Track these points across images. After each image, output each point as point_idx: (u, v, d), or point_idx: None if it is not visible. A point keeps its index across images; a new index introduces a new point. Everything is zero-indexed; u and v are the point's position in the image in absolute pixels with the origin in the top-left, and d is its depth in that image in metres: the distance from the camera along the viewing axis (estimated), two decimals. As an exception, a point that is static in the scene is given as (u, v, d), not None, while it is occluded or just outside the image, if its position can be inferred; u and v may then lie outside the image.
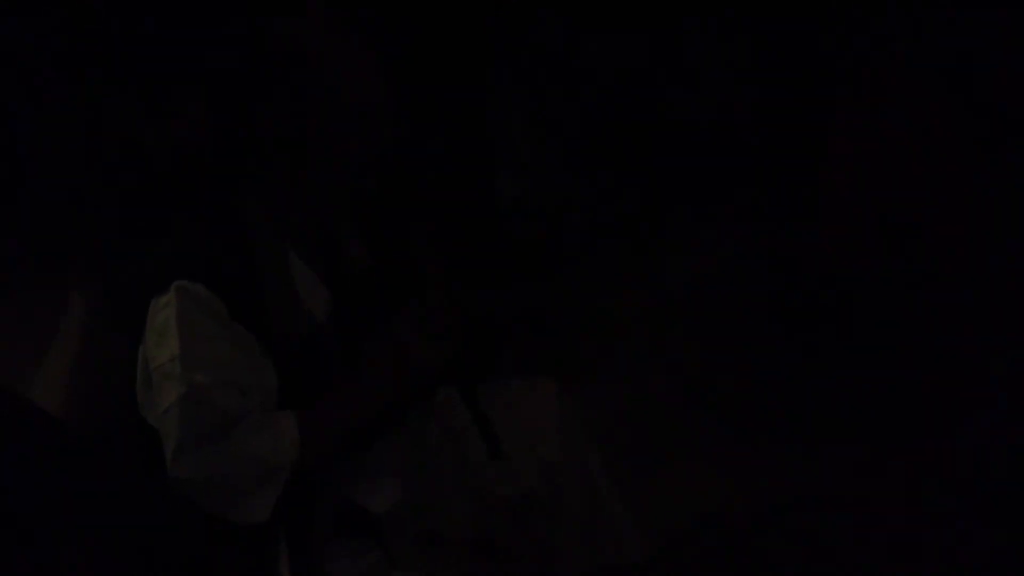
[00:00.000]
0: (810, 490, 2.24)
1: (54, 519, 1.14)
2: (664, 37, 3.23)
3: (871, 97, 2.92)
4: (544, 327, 2.82)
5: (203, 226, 1.41)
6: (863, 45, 2.95)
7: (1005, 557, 2.00)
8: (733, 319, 2.86)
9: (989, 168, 2.73)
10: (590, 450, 1.74)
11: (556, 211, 3.19)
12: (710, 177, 3.19)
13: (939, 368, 2.51)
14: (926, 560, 2.04)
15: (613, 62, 3.27)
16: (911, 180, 2.81)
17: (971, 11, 2.75)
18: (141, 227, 2.13)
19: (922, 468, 2.25)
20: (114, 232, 2.16)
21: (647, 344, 2.79)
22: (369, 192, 1.56)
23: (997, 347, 2.52)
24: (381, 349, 1.42)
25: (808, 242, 2.95)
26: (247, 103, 1.36)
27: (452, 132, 2.88)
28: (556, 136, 3.25)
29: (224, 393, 1.31)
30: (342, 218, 1.56)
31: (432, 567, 1.54)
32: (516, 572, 1.67)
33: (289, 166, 1.39)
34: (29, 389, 1.48)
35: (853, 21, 2.96)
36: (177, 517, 1.34)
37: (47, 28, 2.23)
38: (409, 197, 1.77)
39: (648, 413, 2.52)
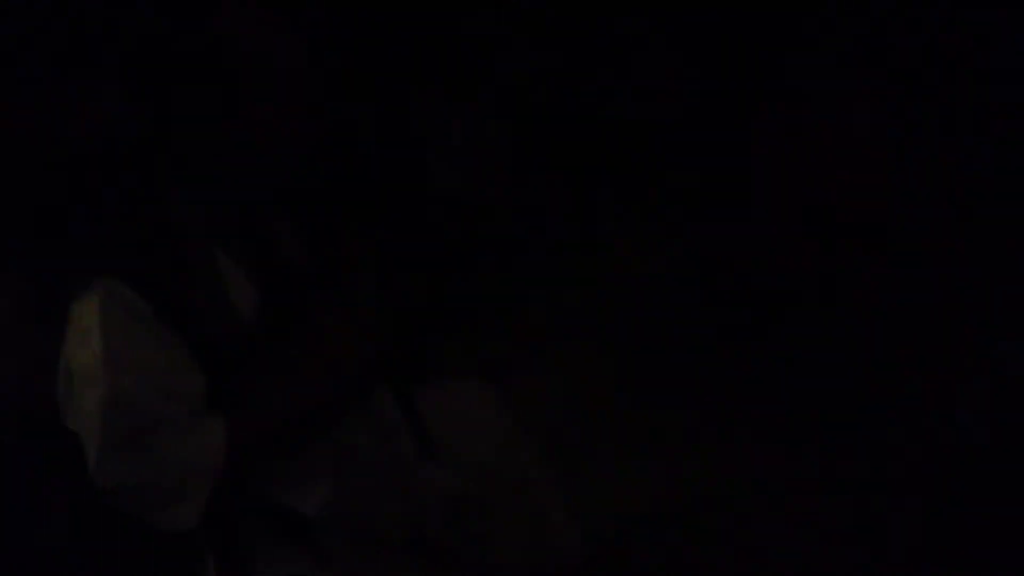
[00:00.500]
0: (746, 488, 2.25)
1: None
2: (598, 36, 3.24)
3: (799, 96, 2.97)
4: (479, 323, 2.81)
5: (126, 221, 1.35)
6: (792, 44, 2.99)
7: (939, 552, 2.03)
8: (668, 315, 2.88)
9: (916, 163, 2.79)
10: (526, 450, 1.72)
11: (489, 205, 3.18)
12: (643, 174, 3.21)
13: (873, 361, 2.56)
14: (864, 557, 2.06)
15: (547, 59, 3.27)
16: (840, 177, 2.85)
17: (898, 9, 2.81)
18: (61, 218, 2.08)
19: (858, 463, 2.29)
20: (33, 224, 2.11)
21: (583, 340, 2.80)
22: (299, 186, 1.52)
23: (930, 338, 2.58)
24: (308, 344, 1.38)
25: (740, 238, 2.97)
26: (168, 91, 1.31)
27: (382, 122, 2.85)
28: (490, 131, 3.24)
29: (148, 396, 1.26)
30: (273, 214, 1.51)
31: (366, 568, 1.50)
32: (452, 572, 1.64)
33: (214, 158, 1.34)
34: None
35: (782, 20, 2.99)
36: (96, 521, 1.30)
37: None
38: (340, 191, 1.73)
39: (584, 411, 2.52)
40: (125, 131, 2.22)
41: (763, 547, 2.09)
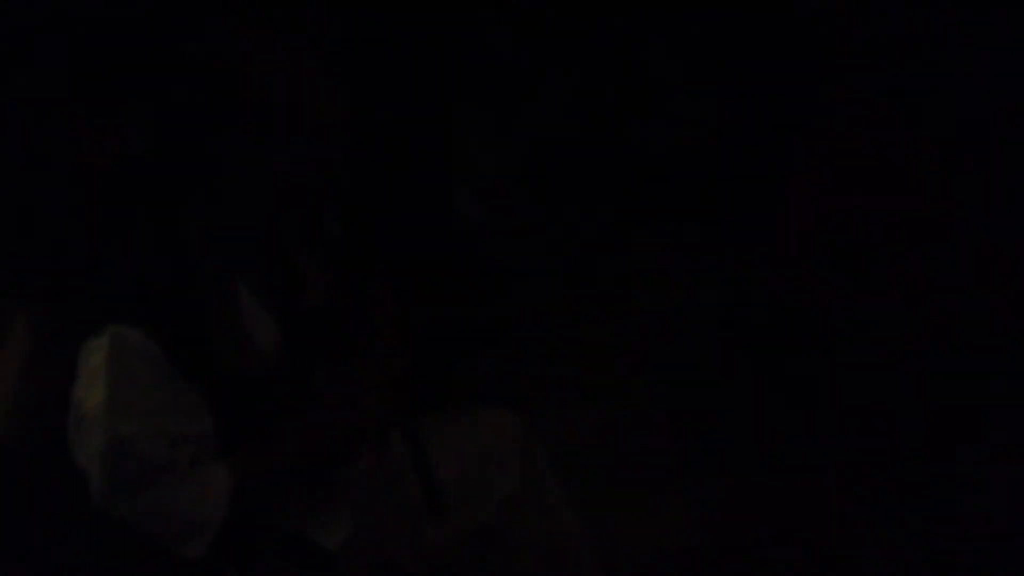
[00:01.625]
0: (774, 525, 2.23)
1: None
2: (629, 66, 3.25)
3: (832, 128, 2.96)
4: (507, 351, 2.80)
5: (146, 257, 1.33)
6: (826, 77, 2.99)
7: None
8: (698, 347, 2.85)
9: (947, 199, 2.78)
10: (552, 483, 1.71)
11: (517, 235, 3.18)
12: (672, 204, 3.20)
13: (905, 400, 2.54)
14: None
15: (578, 90, 3.28)
16: (870, 211, 2.84)
17: (929, 48, 2.82)
18: (88, 248, 2.09)
19: (889, 503, 2.26)
20: (60, 253, 2.12)
21: (610, 373, 2.77)
22: (327, 226, 1.52)
23: (961, 377, 2.55)
24: (327, 397, 1.38)
25: (770, 270, 2.97)
26: (194, 124, 1.30)
27: (412, 152, 2.85)
28: (519, 159, 3.25)
29: (151, 444, 1.25)
30: (299, 253, 1.52)
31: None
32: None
33: (239, 195, 1.33)
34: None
35: (816, 54, 3.00)
36: (111, 545, 1.30)
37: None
38: (367, 233, 1.74)
39: (611, 443, 2.49)
40: (147, 166, 2.24)
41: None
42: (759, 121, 3.07)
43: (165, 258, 1.33)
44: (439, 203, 2.98)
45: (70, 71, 2.27)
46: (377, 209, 2.62)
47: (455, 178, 3.07)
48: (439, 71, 2.91)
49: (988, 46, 2.75)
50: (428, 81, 2.88)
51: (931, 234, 2.79)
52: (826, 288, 2.85)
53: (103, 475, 1.23)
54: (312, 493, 1.47)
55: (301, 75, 1.31)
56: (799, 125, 2.99)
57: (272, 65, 1.29)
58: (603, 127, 3.27)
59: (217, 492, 1.28)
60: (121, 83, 2.29)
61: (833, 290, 2.84)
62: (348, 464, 1.52)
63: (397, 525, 1.58)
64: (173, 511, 1.26)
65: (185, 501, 1.27)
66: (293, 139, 1.29)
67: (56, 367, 1.55)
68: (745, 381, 2.70)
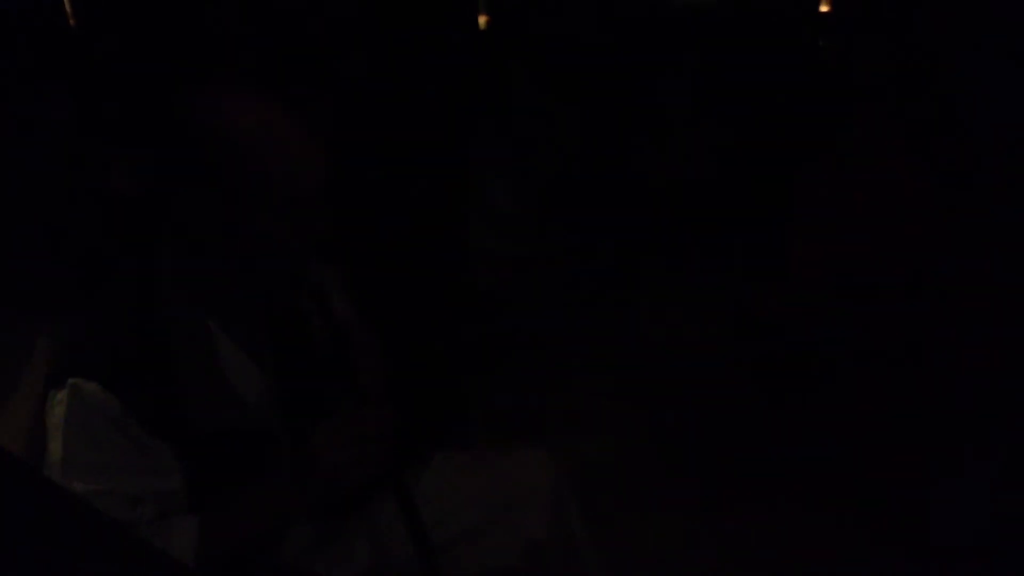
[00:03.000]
0: (785, 549, 2.24)
1: (15, 562, 1.08)
2: (639, 101, 3.27)
3: (838, 158, 2.99)
4: (518, 385, 2.80)
5: (113, 305, 1.34)
6: (833, 109, 3.01)
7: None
8: (706, 378, 2.90)
9: (953, 229, 2.79)
10: (579, 527, 1.68)
11: (528, 263, 3.19)
12: (680, 235, 3.21)
13: (912, 432, 2.54)
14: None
15: (589, 123, 3.30)
16: (876, 241, 2.85)
17: (934, 78, 2.83)
18: (105, 275, 2.09)
19: (898, 531, 2.26)
20: (80, 279, 2.12)
21: (621, 403, 2.81)
22: (314, 276, 1.50)
23: (967, 406, 2.55)
24: (311, 453, 1.35)
25: (776, 301, 2.97)
26: (177, 175, 1.30)
27: (428, 184, 2.87)
28: (531, 189, 3.26)
29: (107, 503, 1.25)
30: (286, 300, 1.49)
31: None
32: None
33: (227, 243, 1.31)
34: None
35: (823, 87, 3.02)
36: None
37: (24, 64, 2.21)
38: (361, 275, 1.72)
39: (624, 468, 2.53)
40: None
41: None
42: (765, 153, 3.08)
43: (133, 307, 1.32)
44: (456, 232, 3.01)
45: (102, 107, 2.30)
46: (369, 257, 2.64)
47: (472, 211, 3.09)
48: (456, 111, 2.95)
49: (994, 74, 2.76)
50: (443, 113, 2.91)
51: (937, 264, 2.80)
52: (833, 318, 2.87)
53: None
54: (323, 531, 1.48)
55: (287, 138, 1.30)
56: (805, 156, 3.04)
57: (260, 127, 1.28)
58: (613, 160, 3.29)
59: (181, 546, 1.27)
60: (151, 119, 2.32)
61: (840, 319, 2.86)
62: (348, 509, 1.52)
63: (402, 564, 1.54)
64: None
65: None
66: (274, 197, 1.28)
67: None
68: (755, 410, 2.74)
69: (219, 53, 2.26)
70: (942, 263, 2.83)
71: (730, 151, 3.24)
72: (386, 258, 2.47)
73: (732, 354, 2.97)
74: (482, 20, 3.15)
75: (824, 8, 3.28)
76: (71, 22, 2.32)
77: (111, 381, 1.26)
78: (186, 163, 1.28)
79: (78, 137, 2.30)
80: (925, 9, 2.88)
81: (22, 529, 1.08)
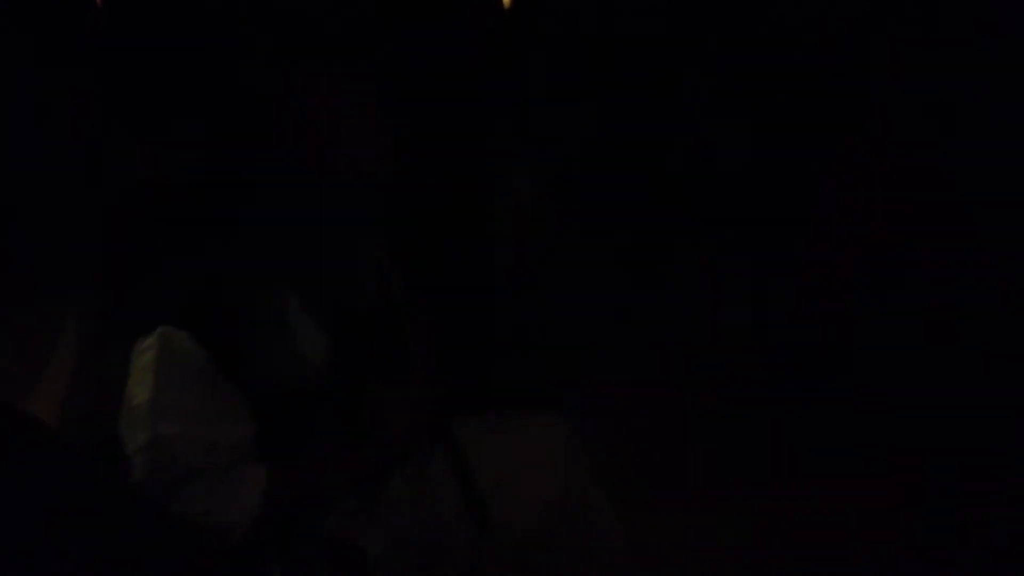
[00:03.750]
0: (808, 534, 2.24)
1: (50, 531, 1.13)
2: (661, 86, 3.28)
3: (862, 147, 2.98)
4: (544, 363, 2.83)
5: (199, 266, 1.40)
6: (859, 90, 3.01)
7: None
8: (729, 362, 2.88)
9: (977, 217, 2.79)
10: (594, 488, 1.74)
11: (550, 247, 3.22)
12: (704, 222, 3.23)
13: (931, 410, 2.54)
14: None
15: (610, 108, 3.32)
16: (900, 228, 2.85)
17: (961, 61, 2.82)
18: (137, 254, 2.14)
19: (922, 513, 2.28)
20: (111, 257, 2.17)
21: (644, 384, 2.81)
22: (374, 252, 1.56)
23: (988, 387, 2.55)
24: (369, 415, 1.42)
25: (800, 288, 2.98)
26: (253, 144, 1.37)
27: (453, 171, 2.91)
28: (554, 179, 3.29)
29: (188, 447, 1.30)
30: (348, 268, 1.56)
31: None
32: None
33: (300, 211, 1.39)
34: (27, 404, 1.47)
35: (850, 67, 3.02)
36: (164, 535, 1.33)
37: (50, 57, 2.26)
38: (412, 248, 1.78)
39: (645, 452, 2.52)
40: (204, 179, 2.31)
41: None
42: (789, 141, 3.09)
43: (217, 270, 1.38)
44: (480, 218, 3.04)
45: (130, 94, 2.34)
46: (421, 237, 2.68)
47: (495, 200, 3.12)
48: (476, 94, 2.98)
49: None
50: (466, 105, 2.94)
51: (961, 252, 2.80)
52: (856, 305, 2.88)
53: (142, 470, 1.28)
54: (355, 498, 1.51)
55: (353, 124, 1.38)
56: (829, 144, 3.03)
57: (333, 104, 1.37)
58: (636, 151, 3.31)
59: (249, 497, 1.32)
60: (178, 107, 2.37)
61: (863, 307, 2.87)
62: (391, 473, 1.55)
63: (436, 531, 1.60)
64: (202, 512, 1.30)
65: (214, 504, 1.30)
66: (347, 163, 1.36)
67: (105, 368, 1.60)
68: (777, 394, 2.73)
69: (291, 31, 2.29)
70: (966, 251, 2.83)
71: (753, 139, 3.24)
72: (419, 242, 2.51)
73: (754, 341, 2.97)
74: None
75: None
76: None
77: (195, 333, 1.32)
78: (255, 137, 1.36)
79: (102, 123, 2.34)
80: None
81: (52, 500, 1.14)
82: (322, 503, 1.45)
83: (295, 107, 1.35)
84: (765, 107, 3.14)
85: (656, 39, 3.23)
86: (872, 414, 2.59)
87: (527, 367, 2.73)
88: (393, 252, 1.66)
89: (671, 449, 2.57)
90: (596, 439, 1.83)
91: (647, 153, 3.31)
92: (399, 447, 1.45)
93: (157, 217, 2.23)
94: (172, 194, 2.30)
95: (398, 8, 2.61)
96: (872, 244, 2.89)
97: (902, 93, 2.95)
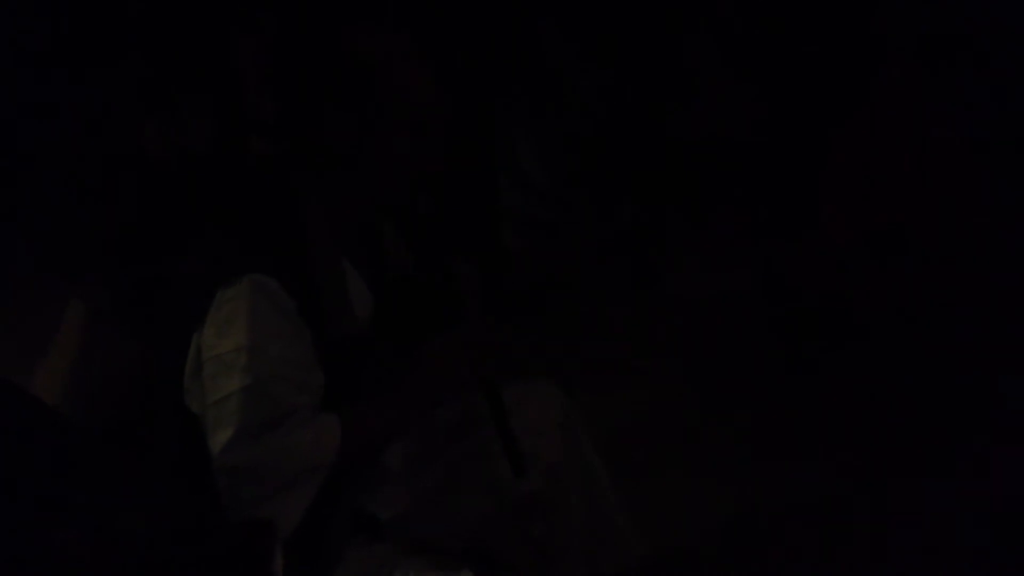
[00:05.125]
0: (809, 499, 2.24)
1: (52, 508, 1.14)
2: (669, 57, 3.27)
3: (869, 116, 2.97)
4: (544, 333, 2.84)
5: (267, 225, 1.43)
6: (864, 66, 2.99)
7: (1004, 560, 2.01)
8: (732, 331, 2.88)
9: (982, 187, 2.77)
10: (592, 455, 1.75)
11: (557, 223, 3.22)
12: (709, 192, 3.22)
13: (936, 381, 2.53)
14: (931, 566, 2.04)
15: (617, 81, 3.31)
16: (905, 198, 2.84)
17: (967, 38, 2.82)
18: (144, 229, 2.16)
19: (924, 476, 2.27)
20: (117, 233, 2.18)
21: (647, 354, 2.81)
22: (417, 206, 1.58)
23: (993, 362, 2.55)
24: (424, 362, 1.45)
25: (806, 260, 2.98)
26: (317, 108, 1.40)
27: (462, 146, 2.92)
28: (558, 150, 3.28)
29: (283, 387, 1.33)
30: (388, 227, 1.60)
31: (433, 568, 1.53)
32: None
33: (348, 173, 1.43)
34: (30, 382, 1.48)
35: (855, 44, 3.00)
36: (172, 511, 1.34)
37: (57, 29, 2.26)
38: (448, 209, 1.80)
39: (651, 422, 2.54)
40: (211, 151, 2.32)
41: (827, 561, 2.07)
42: (796, 110, 3.08)
43: (284, 229, 1.41)
44: (486, 194, 3.05)
45: (138, 71, 2.34)
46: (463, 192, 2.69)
47: (502, 172, 3.13)
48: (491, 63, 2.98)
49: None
50: (477, 74, 2.94)
51: (966, 221, 2.79)
52: (861, 274, 2.88)
53: (242, 414, 1.30)
54: (373, 464, 1.53)
55: (409, 68, 1.42)
56: (836, 114, 3.02)
57: (383, 56, 1.40)
58: (642, 117, 3.29)
59: (329, 439, 1.35)
60: (183, 82, 2.37)
61: (868, 276, 2.87)
62: (397, 441, 1.57)
63: (442, 499, 1.63)
64: (293, 454, 1.32)
65: (304, 444, 1.33)
66: (398, 128, 1.40)
67: (109, 350, 1.61)
68: (779, 364, 2.73)
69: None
70: (972, 221, 2.83)
71: (760, 108, 3.22)
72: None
73: (761, 311, 2.96)
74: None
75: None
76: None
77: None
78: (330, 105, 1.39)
79: (109, 102, 2.35)
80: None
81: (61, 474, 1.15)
82: (384, 446, 1.49)
83: (365, 72, 1.39)
84: (774, 70, 3.11)
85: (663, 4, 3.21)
86: (876, 382, 2.58)
87: (527, 335, 2.73)
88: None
89: (672, 417, 2.57)
90: (596, 406, 1.84)
91: (657, 121, 3.30)
92: (451, 389, 1.48)
93: (168, 190, 2.25)
94: (181, 167, 2.32)
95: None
96: (879, 214, 2.87)
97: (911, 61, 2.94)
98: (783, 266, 3.01)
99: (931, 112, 2.94)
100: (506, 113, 3.21)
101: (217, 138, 2.35)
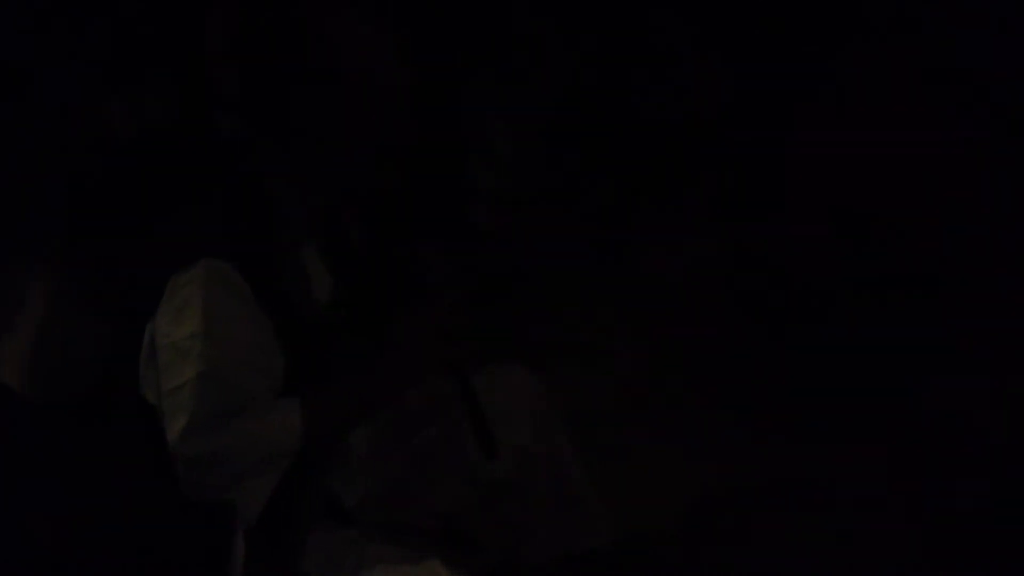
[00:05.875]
0: (779, 477, 2.25)
1: (12, 488, 1.13)
2: (637, 33, 3.26)
3: (836, 95, 2.98)
4: (514, 315, 2.83)
5: (226, 206, 1.40)
6: (832, 45, 3.00)
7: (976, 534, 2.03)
8: (702, 311, 2.88)
9: (947, 165, 2.79)
10: (563, 438, 1.74)
11: (528, 201, 3.21)
12: (680, 170, 3.22)
13: (904, 361, 2.54)
14: (903, 542, 2.06)
15: (586, 61, 3.30)
16: (875, 177, 2.85)
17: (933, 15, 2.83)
18: (108, 212, 2.12)
19: (894, 450, 2.28)
20: (79, 216, 2.15)
21: (619, 332, 2.81)
22: (378, 183, 1.55)
23: (961, 335, 2.56)
24: (391, 345, 1.41)
25: (773, 238, 2.98)
26: (276, 85, 1.37)
27: (429, 123, 2.89)
28: (530, 128, 3.27)
29: (240, 373, 1.30)
30: (347, 206, 1.56)
31: (394, 554, 1.51)
32: (483, 560, 1.66)
33: (310, 156, 1.39)
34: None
35: (823, 22, 3.00)
36: (133, 492, 1.32)
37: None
38: (415, 188, 1.77)
39: (619, 402, 2.53)
40: (176, 126, 2.28)
41: (798, 544, 2.07)
42: (765, 88, 3.07)
43: (244, 211, 1.38)
44: (455, 171, 3.03)
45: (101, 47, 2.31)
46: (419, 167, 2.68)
47: (472, 151, 3.11)
48: (455, 43, 2.96)
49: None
50: (446, 53, 2.91)
51: (931, 198, 2.81)
52: (828, 251, 2.88)
53: (196, 402, 1.26)
54: (340, 446, 1.50)
55: (369, 39, 1.38)
56: (804, 93, 3.01)
57: (345, 32, 1.37)
58: (611, 94, 3.29)
59: (291, 425, 1.31)
60: (148, 57, 2.33)
61: (834, 255, 2.87)
62: (367, 423, 1.54)
63: (411, 483, 1.61)
64: (253, 441, 1.29)
65: (266, 430, 1.30)
66: (361, 99, 1.36)
67: (71, 330, 1.59)
68: (749, 343, 2.73)
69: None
70: (937, 197, 2.82)
71: (729, 87, 3.22)
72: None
73: (730, 287, 2.96)
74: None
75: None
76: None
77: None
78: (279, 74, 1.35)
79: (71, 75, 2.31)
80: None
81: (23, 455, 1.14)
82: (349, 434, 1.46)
83: (324, 46, 1.36)
84: (743, 48, 3.12)
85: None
86: (841, 359, 2.59)
87: (497, 316, 2.72)
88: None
89: (642, 397, 2.57)
90: (566, 387, 1.83)
91: (627, 99, 3.29)
92: (426, 371, 1.45)
93: (123, 165, 2.21)
94: (145, 145, 2.28)
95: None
96: (845, 192, 2.89)
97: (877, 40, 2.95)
98: (751, 245, 3.01)
99: (900, 92, 2.94)
100: (476, 91, 3.19)
101: (182, 114, 2.33)
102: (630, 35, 3.24)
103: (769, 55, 3.05)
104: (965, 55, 2.87)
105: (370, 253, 1.57)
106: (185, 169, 1.98)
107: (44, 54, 2.25)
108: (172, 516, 1.35)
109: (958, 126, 2.84)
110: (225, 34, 2.25)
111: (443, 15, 2.91)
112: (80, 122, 2.28)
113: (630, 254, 3.12)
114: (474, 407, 1.49)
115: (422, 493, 1.62)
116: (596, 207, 3.25)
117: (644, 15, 3.23)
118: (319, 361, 1.40)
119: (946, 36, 2.88)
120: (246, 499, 1.31)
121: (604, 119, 3.28)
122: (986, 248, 2.75)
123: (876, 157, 2.83)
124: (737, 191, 3.14)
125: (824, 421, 2.40)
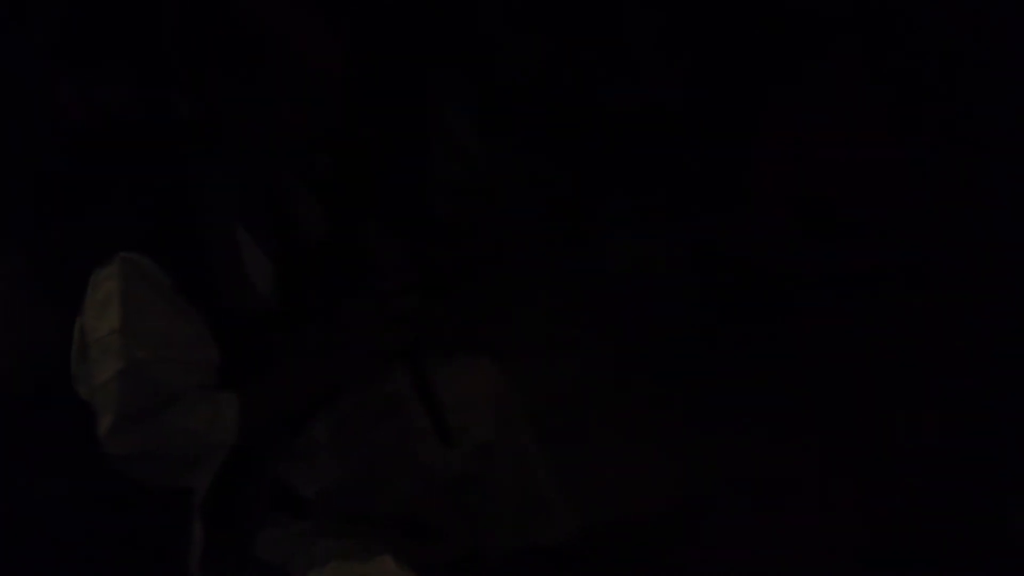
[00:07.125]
0: (743, 471, 2.26)
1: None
2: (602, 26, 3.26)
3: (798, 88, 3.00)
4: (480, 305, 2.82)
5: (148, 196, 1.36)
6: (794, 39, 3.01)
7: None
8: (666, 305, 2.89)
9: (910, 156, 2.82)
10: (524, 430, 1.73)
11: (489, 194, 3.20)
12: (642, 165, 3.22)
13: (867, 356, 2.56)
14: (861, 541, 2.07)
15: (548, 50, 3.30)
16: (835, 169, 2.87)
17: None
18: (64, 196, 2.09)
19: (856, 454, 2.29)
20: (35, 202, 2.12)
21: (580, 327, 2.80)
22: (321, 168, 1.52)
23: (924, 334, 2.57)
24: (334, 328, 1.39)
25: (737, 229, 2.99)
26: (201, 72, 1.34)
27: (390, 112, 2.87)
28: (493, 120, 3.26)
29: (164, 368, 1.27)
30: (294, 192, 1.51)
31: (356, 547, 1.49)
32: (445, 551, 1.67)
33: (241, 137, 1.36)
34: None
35: (785, 16, 3.02)
36: (88, 487, 1.30)
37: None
38: (359, 175, 1.74)
39: (582, 395, 2.53)
40: (137, 111, 2.25)
41: (760, 541, 2.08)
42: (728, 82, 3.09)
43: (167, 199, 1.34)
44: (416, 163, 3.01)
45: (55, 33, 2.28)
46: (368, 154, 2.64)
47: (434, 142, 3.10)
48: (414, 32, 2.94)
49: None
50: (404, 43, 2.89)
51: (895, 190, 2.84)
52: (791, 246, 2.89)
53: (119, 399, 1.25)
54: (292, 440, 1.48)
55: (301, 23, 1.34)
56: (767, 86, 3.03)
57: (274, 12, 1.32)
58: (576, 86, 3.29)
59: (225, 418, 1.30)
60: (102, 42, 2.30)
61: (797, 248, 2.88)
62: (333, 406, 1.52)
63: (373, 473, 1.59)
64: (185, 435, 1.27)
65: (197, 425, 1.28)
66: (292, 85, 1.32)
67: (30, 318, 1.56)
68: (713, 336, 2.73)
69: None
70: (901, 190, 2.86)
71: (694, 77, 3.23)
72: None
73: (692, 282, 2.97)
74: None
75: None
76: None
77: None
78: (203, 57, 1.32)
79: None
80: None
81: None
82: (294, 422, 1.44)
83: (249, 27, 1.31)
84: (707, 40, 3.13)
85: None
86: (805, 354, 2.61)
87: (457, 306, 2.71)
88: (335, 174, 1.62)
89: (604, 389, 2.57)
90: (528, 379, 1.82)
91: (591, 92, 3.30)
92: (374, 358, 1.43)
93: (81, 152, 2.18)
94: (98, 129, 2.25)
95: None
96: (809, 185, 2.91)
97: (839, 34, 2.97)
98: (714, 237, 3.01)
99: (864, 84, 2.97)
100: (440, 82, 3.17)
101: (135, 98, 2.29)
102: (595, 26, 3.25)
103: (735, 46, 3.06)
104: (931, 52, 2.92)
105: (318, 237, 1.52)
106: (130, 154, 1.94)
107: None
108: (129, 503, 1.34)
109: (922, 122, 2.88)
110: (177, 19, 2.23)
111: (399, 4, 2.89)
112: (35, 103, 2.25)
113: (594, 247, 3.12)
114: (430, 399, 1.47)
115: (383, 485, 1.60)
116: (559, 199, 3.26)
117: (610, 5, 3.24)
118: (260, 349, 1.37)
119: (912, 32, 2.92)
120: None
121: (569, 111, 3.28)
122: (949, 242, 2.78)
123: (841, 151, 2.85)
124: (702, 184, 3.15)
125: (789, 418, 2.41)
